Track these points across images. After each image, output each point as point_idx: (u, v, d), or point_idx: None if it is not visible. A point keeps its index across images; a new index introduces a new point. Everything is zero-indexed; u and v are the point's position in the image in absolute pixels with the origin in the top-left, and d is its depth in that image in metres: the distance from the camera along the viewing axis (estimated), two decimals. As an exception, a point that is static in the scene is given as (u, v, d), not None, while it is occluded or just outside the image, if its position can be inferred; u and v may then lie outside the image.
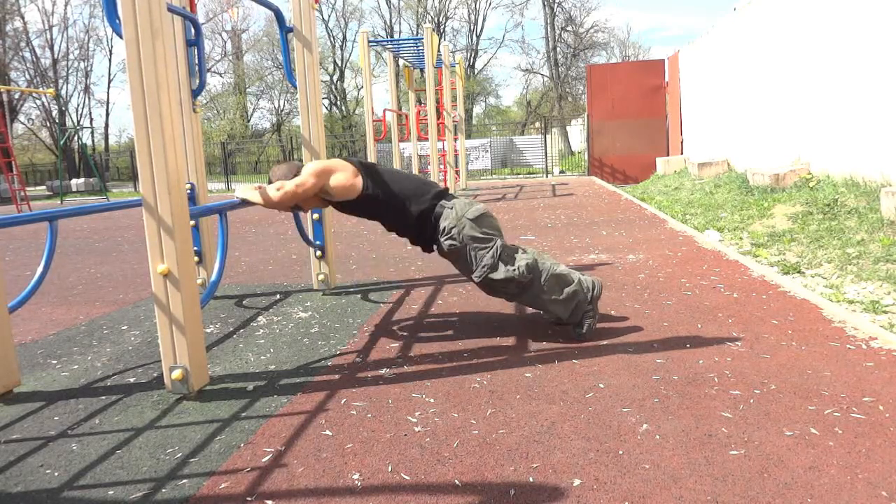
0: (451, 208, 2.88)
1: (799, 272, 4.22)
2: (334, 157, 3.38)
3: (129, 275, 5.31)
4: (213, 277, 3.75)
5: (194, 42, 3.94)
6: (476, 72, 38.39)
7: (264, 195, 2.94)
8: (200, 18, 4.75)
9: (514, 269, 2.81)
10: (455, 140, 13.32)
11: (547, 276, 2.86)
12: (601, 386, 2.37)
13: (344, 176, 2.92)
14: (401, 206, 2.92)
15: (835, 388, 2.23)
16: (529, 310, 3.42)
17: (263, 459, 1.95)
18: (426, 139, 11.60)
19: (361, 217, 3.07)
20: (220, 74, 37.97)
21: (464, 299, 3.82)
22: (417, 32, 36.00)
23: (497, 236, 2.88)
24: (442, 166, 12.48)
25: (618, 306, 3.45)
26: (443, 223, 2.87)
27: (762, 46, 8.95)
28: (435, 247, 3.00)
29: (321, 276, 4.18)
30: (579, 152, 25.33)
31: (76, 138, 27.61)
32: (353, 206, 2.99)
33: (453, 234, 2.84)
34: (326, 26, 38.73)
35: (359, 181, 2.93)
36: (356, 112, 38.04)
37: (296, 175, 2.96)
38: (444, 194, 2.98)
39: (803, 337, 2.79)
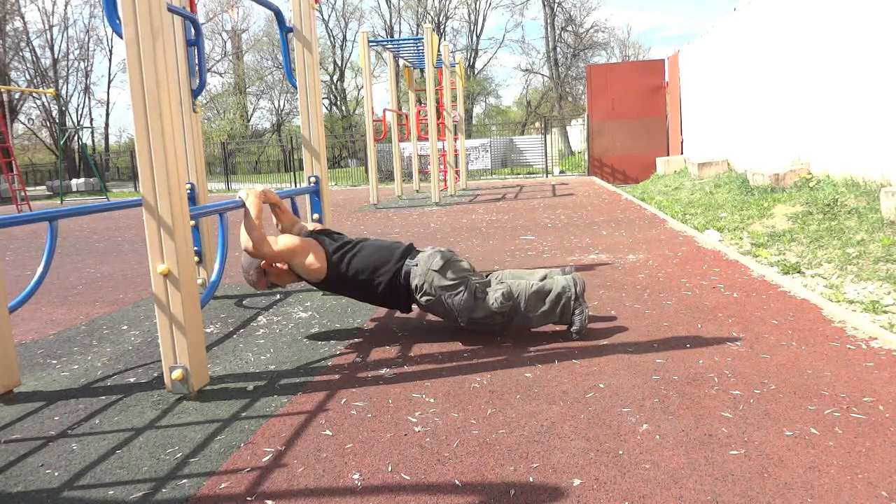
0: (416, 265, 2.96)
1: (799, 272, 4.22)
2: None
3: (129, 275, 5.31)
4: (213, 277, 3.75)
5: (194, 42, 3.94)
6: (476, 72, 38.41)
7: (250, 219, 2.95)
8: (200, 18, 4.75)
9: (493, 303, 2.87)
10: (455, 140, 13.32)
11: (526, 296, 2.90)
12: (601, 386, 2.37)
13: (313, 258, 3.00)
14: (367, 280, 3.01)
15: (835, 388, 2.23)
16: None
17: (263, 459, 1.95)
18: (426, 139, 11.61)
19: (336, 294, 3.19)
20: (220, 74, 38.00)
21: (464, 299, 3.81)
22: (417, 32, 36.01)
23: (466, 278, 2.93)
24: (442, 166, 12.48)
25: (618, 306, 3.45)
26: (413, 282, 2.95)
27: (762, 46, 8.95)
28: (413, 305, 3.09)
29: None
30: (579, 152, 25.33)
31: (76, 138, 27.66)
32: (322, 284, 3.10)
33: (425, 289, 2.92)
34: (326, 26, 38.75)
35: (323, 267, 3.01)
36: (356, 112, 38.05)
37: (287, 237, 3.04)
38: (407, 252, 3.05)
39: (803, 337, 2.79)
